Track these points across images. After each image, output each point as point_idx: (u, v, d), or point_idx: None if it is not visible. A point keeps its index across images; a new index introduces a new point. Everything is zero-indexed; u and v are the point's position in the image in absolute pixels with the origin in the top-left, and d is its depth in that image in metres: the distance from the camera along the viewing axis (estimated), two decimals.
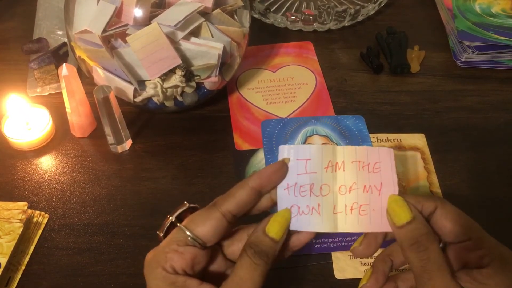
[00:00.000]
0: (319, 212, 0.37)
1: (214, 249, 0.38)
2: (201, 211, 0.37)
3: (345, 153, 0.38)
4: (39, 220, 0.54)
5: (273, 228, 0.36)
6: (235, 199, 0.37)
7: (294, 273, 0.51)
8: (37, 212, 0.55)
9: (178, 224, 0.37)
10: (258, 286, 0.34)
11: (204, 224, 0.36)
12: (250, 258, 0.35)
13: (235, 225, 0.39)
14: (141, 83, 0.59)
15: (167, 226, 0.39)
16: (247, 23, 0.64)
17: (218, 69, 0.59)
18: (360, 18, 0.78)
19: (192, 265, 0.36)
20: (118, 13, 0.56)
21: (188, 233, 0.36)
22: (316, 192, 0.37)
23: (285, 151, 0.38)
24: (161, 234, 0.38)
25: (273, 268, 0.36)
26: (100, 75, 0.60)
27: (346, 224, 0.37)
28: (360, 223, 0.37)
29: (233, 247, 0.39)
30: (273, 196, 0.38)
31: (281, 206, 0.37)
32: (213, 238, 0.37)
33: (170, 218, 0.38)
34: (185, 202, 0.40)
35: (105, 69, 0.59)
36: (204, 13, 0.58)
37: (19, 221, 0.52)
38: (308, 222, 0.37)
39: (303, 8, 0.82)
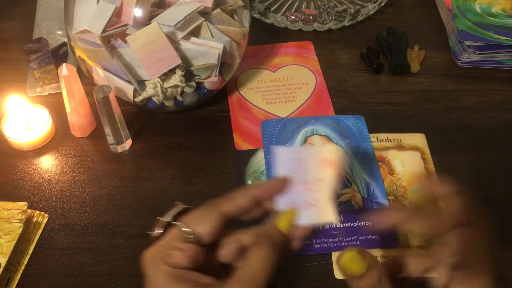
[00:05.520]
0: (317, 206, 0.40)
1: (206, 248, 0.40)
2: (199, 210, 0.39)
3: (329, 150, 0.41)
4: (38, 220, 0.54)
5: (283, 223, 0.38)
6: (235, 203, 0.39)
7: (294, 273, 0.51)
8: (37, 212, 0.55)
9: (176, 223, 0.38)
10: (269, 277, 0.36)
11: (204, 223, 0.38)
12: (263, 250, 0.36)
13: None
14: (141, 83, 0.59)
15: (163, 226, 0.40)
16: (247, 23, 0.64)
17: (218, 69, 0.59)
18: (360, 18, 0.78)
19: (193, 261, 0.37)
20: (118, 13, 0.56)
21: (188, 230, 0.37)
22: (311, 188, 0.40)
23: (280, 152, 0.41)
24: (155, 235, 0.40)
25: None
26: (100, 75, 0.60)
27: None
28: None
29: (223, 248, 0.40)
30: (266, 205, 0.40)
31: (281, 203, 0.40)
32: (211, 236, 0.38)
33: (165, 219, 0.40)
34: (176, 202, 0.42)
35: (105, 69, 0.59)
36: (204, 13, 0.58)
37: (19, 221, 0.52)
38: (307, 216, 0.39)
39: (303, 8, 0.82)
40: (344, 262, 0.36)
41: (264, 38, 0.77)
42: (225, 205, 0.39)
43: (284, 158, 0.41)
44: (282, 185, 0.40)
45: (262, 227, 0.39)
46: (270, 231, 0.38)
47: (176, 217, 0.41)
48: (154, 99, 0.60)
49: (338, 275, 0.50)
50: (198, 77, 0.59)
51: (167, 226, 0.40)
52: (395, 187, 0.57)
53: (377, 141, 0.61)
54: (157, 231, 0.40)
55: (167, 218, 0.41)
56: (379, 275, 0.36)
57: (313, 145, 0.41)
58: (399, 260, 0.39)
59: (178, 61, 0.56)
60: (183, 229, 0.38)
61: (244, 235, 0.40)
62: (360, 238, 0.52)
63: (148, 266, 0.38)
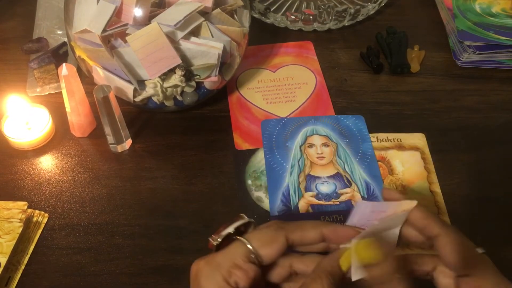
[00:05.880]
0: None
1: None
2: (267, 231, 0.37)
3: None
4: (39, 220, 0.54)
5: (346, 261, 0.36)
6: (304, 234, 0.37)
7: None
8: (37, 211, 0.55)
9: (238, 238, 0.37)
10: None
11: (271, 246, 0.37)
12: (321, 286, 0.35)
13: None
14: (141, 83, 0.59)
15: (224, 236, 0.38)
16: (247, 23, 0.64)
17: (218, 68, 0.59)
18: (360, 18, 0.78)
19: (251, 283, 0.36)
20: (118, 13, 0.56)
21: (252, 250, 0.36)
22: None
23: (362, 205, 0.39)
24: (215, 243, 0.38)
25: None
26: (100, 74, 0.60)
27: None
28: None
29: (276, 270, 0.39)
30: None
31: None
32: (273, 260, 0.37)
33: (229, 230, 0.38)
34: (242, 214, 0.40)
35: (105, 68, 0.59)
36: (204, 13, 0.58)
37: (19, 220, 0.52)
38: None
39: (303, 8, 0.82)
40: (360, 248, 0.35)
41: (264, 38, 0.77)
42: (293, 232, 0.37)
43: (364, 212, 0.39)
44: (354, 235, 0.37)
45: (325, 261, 0.37)
46: (332, 267, 0.36)
47: (238, 230, 0.39)
48: (154, 98, 0.60)
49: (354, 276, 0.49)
50: (198, 76, 0.59)
51: (228, 237, 0.39)
52: (395, 187, 0.57)
53: (377, 141, 0.61)
54: (217, 240, 0.39)
55: (230, 229, 0.39)
56: (395, 265, 0.35)
57: (399, 203, 0.39)
58: (408, 257, 0.39)
59: (178, 61, 0.56)
60: (249, 247, 0.36)
61: (299, 261, 0.38)
62: None
63: (204, 277, 0.36)
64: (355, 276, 0.36)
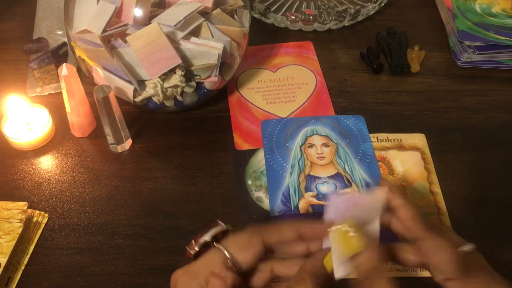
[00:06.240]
0: None
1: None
2: (243, 236, 0.37)
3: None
4: (38, 220, 0.54)
5: (330, 262, 0.36)
6: (280, 235, 0.37)
7: None
8: (37, 212, 0.55)
9: (215, 244, 0.37)
10: None
11: (247, 251, 0.36)
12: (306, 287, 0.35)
13: None
14: (141, 83, 0.59)
15: (201, 244, 0.38)
16: (247, 23, 0.64)
17: (218, 69, 0.59)
18: (360, 18, 0.78)
19: None
20: (118, 13, 0.56)
21: (229, 257, 0.36)
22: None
23: (335, 199, 0.39)
24: (193, 252, 0.38)
25: None
26: (100, 75, 0.60)
27: None
28: None
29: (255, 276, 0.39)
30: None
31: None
32: (251, 265, 0.37)
33: (205, 237, 0.38)
34: (218, 221, 0.39)
35: (105, 69, 0.59)
36: (204, 13, 0.58)
37: (19, 221, 0.52)
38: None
39: (303, 8, 0.81)
40: (341, 235, 0.35)
41: (264, 38, 0.77)
42: (269, 234, 0.37)
43: (338, 206, 0.39)
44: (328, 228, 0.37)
45: (308, 262, 0.37)
46: (316, 268, 0.36)
47: (215, 237, 0.39)
48: (154, 99, 0.60)
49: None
50: (198, 77, 0.59)
51: (205, 245, 0.38)
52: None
53: (377, 141, 0.61)
54: (195, 249, 0.38)
55: (207, 237, 0.38)
56: (379, 255, 0.35)
57: (372, 192, 0.39)
58: (392, 246, 0.38)
59: (178, 61, 0.56)
60: (226, 254, 0.36)
61: (279, 264, 0.38)
62: None
63: (182, 287, 0.36)
64: (338, 272, 0.35)
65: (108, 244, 0.53)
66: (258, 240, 0.37)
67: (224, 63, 0.61)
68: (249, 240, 0.37)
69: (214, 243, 0.37)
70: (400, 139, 0.62)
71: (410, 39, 0.74)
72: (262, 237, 0.37)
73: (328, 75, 0.71)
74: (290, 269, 0.37)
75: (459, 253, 0.36)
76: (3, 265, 0.49)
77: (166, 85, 0.58)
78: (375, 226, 0.38)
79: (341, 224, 0.36)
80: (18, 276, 0.50)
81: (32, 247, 0.52)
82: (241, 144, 0.62)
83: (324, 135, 0.62)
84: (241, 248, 0.36)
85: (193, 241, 0.38)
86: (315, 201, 0.55)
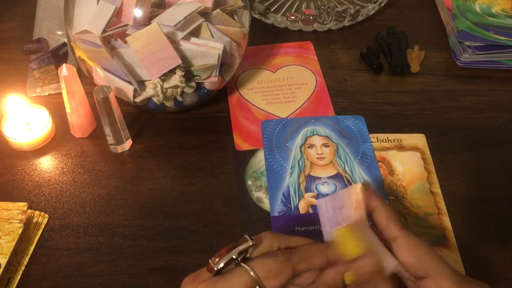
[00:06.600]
0: None
1: None
2: (273, 262, 0.36)
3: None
4: (39, 221, 0.54)
5: (352, 277, 0.36)
6: (309, 263, 0.37)
7: None
8: (37, 212, 0.55)
9: (242, 264, 0.35)
10: None
11: (277, 279, 0.35)
12: None
13: None
14: (141, 83, 0.59)
15: (227, 260, 0.36)
16: (247, 23, 0.64)
17: (218, 69, 0.59)
18: (360, 18, 0.78)
19: None
20: (118, 13, 0.56)
21: (258, 280, 0.35)
22: None
23: (322, 205, 0.40)
24: (217, 267, 0.36)
25: None
26: (100, 75, 0.60)
27: None
28: None
29: None
30: None
31: None
32: None
33: (232, 255, 0.36)
34: (246, 236, 0.37)
35: (105, 69, 0.59)
36: (204, 13, 0.58)
37: (19, 221, 0.52)
38: None
39: (303, 8, 0.82)
40: (345, 235, 0.35)
41: (264, 38, 0.77)
42: (300, 263, 0.36)
43: (327, 210, 0.39)
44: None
45: (329, 273, 0.36)
46: (336, 282, 0.36)
47: (241, 253, 0.37)
48: (154, 99, 0.60)
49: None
50: (198, 77, 0.59)
51: (230, 261, 0.36)
52: (395, 187, 0.57)
53: (377, 141, 0.61)
54: (219, 264, 0.36)
55: (233, 254, 0.36)
56: (379, 258, 0.35)
57: (348, 188, 0.39)
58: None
59: (178, 61, 0.56)
60: (254, 276, 0.35)
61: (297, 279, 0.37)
62: None
63: None
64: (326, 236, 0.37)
65: (108, 245, 0.53)
66: (289, 269, 0.36)
67: (224, 63, 0.61)
68: (280, 268, 0.36)
69: (239, 260, 0.36)
70: (400, 139, 0.62)
71: (410, 39, 0.74)
72: (293, 266, 0.36)
73: (328, 75, 0.71)
74: (307, 278, 0.37)
75: (434, 251, 0.37)
76: (3, 265, 0.49)
77: (166, 85, 0.58)
78: (371, 233, 0.39)
79: (344, 227, 0.36)
80: (18, 276, 0.50)
81: (32, 248, 0.52)
82: (241, 144, 0.62)
83: (324, 136, 0.62)
84: (270, 273, 0.35)
85: (217, 255, 0.36)
86: (315, 201, 0.55)
